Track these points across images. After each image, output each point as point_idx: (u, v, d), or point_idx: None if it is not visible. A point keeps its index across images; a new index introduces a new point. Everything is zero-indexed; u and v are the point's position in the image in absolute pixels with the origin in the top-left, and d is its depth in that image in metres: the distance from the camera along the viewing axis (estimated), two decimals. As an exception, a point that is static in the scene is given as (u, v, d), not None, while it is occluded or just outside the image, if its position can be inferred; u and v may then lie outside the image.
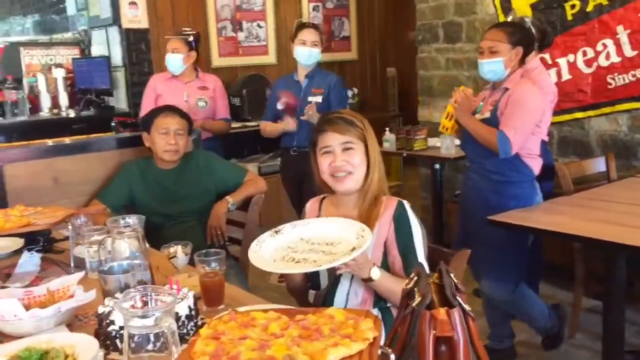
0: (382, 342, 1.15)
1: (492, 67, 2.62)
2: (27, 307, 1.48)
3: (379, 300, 1.75)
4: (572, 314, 2.98)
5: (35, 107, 5.18)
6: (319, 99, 3.50)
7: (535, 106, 2.58)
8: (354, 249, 1.55)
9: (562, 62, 3.77)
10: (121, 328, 1.35)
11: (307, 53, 3.49)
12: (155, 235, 2.32)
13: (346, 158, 1.76)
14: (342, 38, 6.58)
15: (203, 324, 1.45)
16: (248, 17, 5.86)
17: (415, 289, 1.03)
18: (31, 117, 5.08)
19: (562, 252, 3.10)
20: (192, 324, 1.45)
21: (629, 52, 3.49)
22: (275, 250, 1.66)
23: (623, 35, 3.50)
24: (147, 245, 1.82)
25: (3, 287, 1.74)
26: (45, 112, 5.10)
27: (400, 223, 1.75)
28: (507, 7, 4.01)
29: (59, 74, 5.15)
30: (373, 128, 1.84)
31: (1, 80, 5.22)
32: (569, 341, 2.95)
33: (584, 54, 3.67)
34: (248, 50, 5.88)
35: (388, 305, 1.76)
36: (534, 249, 2.88)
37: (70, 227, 2.10)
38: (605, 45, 3.58)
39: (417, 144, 3.96)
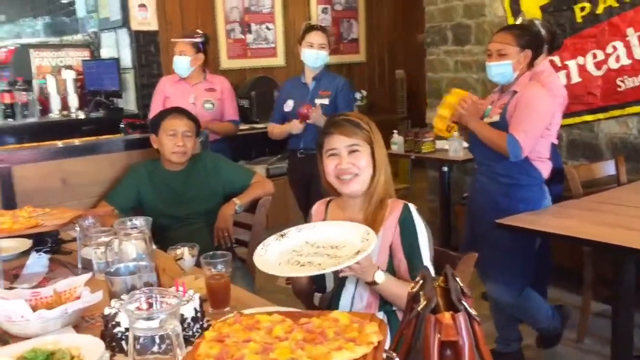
0: (387, 346, 1.14)
1: (500, 70, 2.61)
2: (34, 308, 1.48)
3: (385, 303, 1.75)
4: (580, 318, 2.96)
5: (45, 109, 5.21)
6: (325, 101, 3.50)
7: (544, 109, 2.56)
8: (358, 252, 1.55)
9: (571, 64, 3.75)
10: (127, 330, 1.34)
11: (314, 55, 3.49)
12: (163, 237, 2.33)
13: (352, 160, 1.76)
14: (350, 40, 6.58)
15: (209, 326, 1.45)
16: (257, 19, 5.88)
17: (421, 292, 1.02)
18: (41, 119, 5.11)
19: (571, 256, 3.08)
20: (197, 326, 1.45)
21: (639, 54, 3.47)
22: (280, 254, 1.66)
23: (633, 37, 3.47)
24: (154, 246, 1.83)
25: (11, 288, 1.75)
26: (55, 114, 5.13)
27: (406, 226, 1.75)
28: (516, 10, 4.00)
29: (68, 75, 5.18)
30: (381, 130, 1.84)
31: (12, 81, 5.25)
32: (578, 345, 2.93)
33: (594, 56, 3.65)
34: (256, 53, 5.90)
35: (394, 308, 1.75)
36: (542, 252, 2.86)
37: (78, 228, 2.10)
38: (615, 48, 3.56)
39: (425, 146, 3.96)
